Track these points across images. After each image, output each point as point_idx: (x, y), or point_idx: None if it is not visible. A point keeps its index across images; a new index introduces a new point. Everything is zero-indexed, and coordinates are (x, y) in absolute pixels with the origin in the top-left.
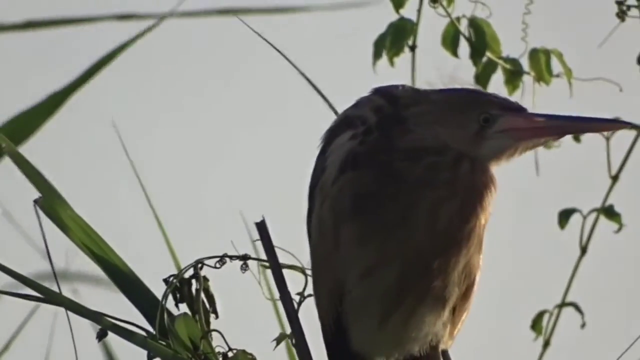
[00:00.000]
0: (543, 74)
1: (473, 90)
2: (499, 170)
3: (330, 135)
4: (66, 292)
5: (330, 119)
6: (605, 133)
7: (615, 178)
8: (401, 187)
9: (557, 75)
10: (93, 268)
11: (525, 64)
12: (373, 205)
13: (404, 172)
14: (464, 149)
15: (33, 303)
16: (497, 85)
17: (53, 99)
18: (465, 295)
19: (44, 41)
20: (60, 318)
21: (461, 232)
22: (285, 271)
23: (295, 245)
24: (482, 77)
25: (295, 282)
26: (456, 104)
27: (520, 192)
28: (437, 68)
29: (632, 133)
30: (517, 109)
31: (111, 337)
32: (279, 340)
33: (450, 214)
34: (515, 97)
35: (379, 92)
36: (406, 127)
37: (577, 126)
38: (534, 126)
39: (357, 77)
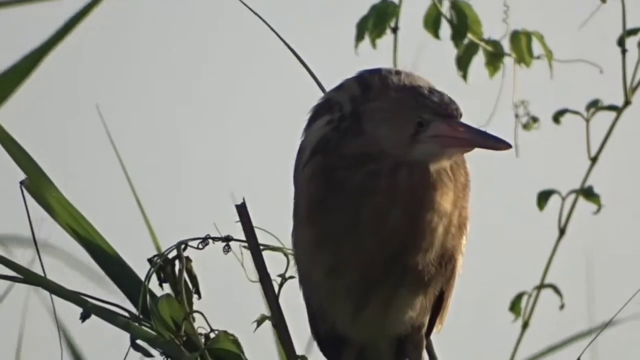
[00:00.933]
0: (524, 55)
1: (416, 91)
2: (474, 154)
3: (313, 115)
4: (50, 274)
5: (314, 97)
6: (586, 114)
7: (594, 159)
8: (344, 195)
9: (538, 57)
10: (77, 249)
11: (506, 45)
12: (322, 211)
13: (346, 179)
14: (401, 154)
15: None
16: (478, 67)
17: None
18: (449, 278)
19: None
20: (39, 300)
21: (411, 234)
22: (268, 252)
23: (279, 224)
24: (464, 59)
25: (278, 264)
26: (400, 105)
27: (499, 173)
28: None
29: (612, 114)
30: (448, 116)
31: (94, 319)
32: (259, 322)
33: (393, 220)
34: (496, 79)
35: (359, 77)
36: (358, 125)
37: (479, 142)
38: (456, 135)
39: (344, 59)
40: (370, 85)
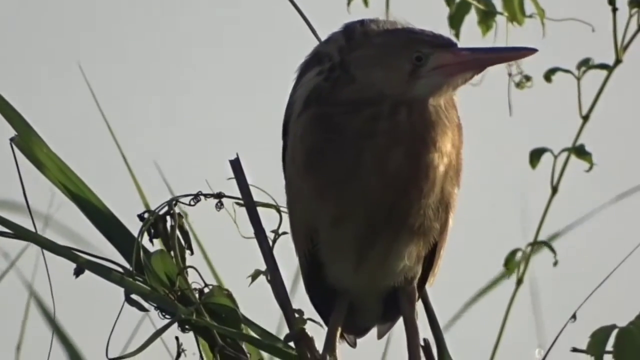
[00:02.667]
0: (516, 14)
1: (405, 30)
2: (469, 111)
3: (302, 70)
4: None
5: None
6: (577, 73)
7: (585, 118)
8: (343, 141)
9: (530, 16)
10: (70, 206)
11: (498, 4)
12: (322, 161)
13: (344, 125)
14: (400, 94)
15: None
16: (470, 25)
17: None
18: (442, 229)
19: None
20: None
21: (414, 175)
22: (260, 209)
23: (271, 182)
24: (456, 17)
25: (270, 220)
26: (391, 45)
27: (493, 132)
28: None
29: (603, 73)
30: (447, 45)
31: (88, 275)
32: (253, 277)
33: (395, 161)
34: (488, 38)
35: (344, 29)
36: (348, 74)
37: (497, 57)
38: (461, 61)
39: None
40: (353, 35)
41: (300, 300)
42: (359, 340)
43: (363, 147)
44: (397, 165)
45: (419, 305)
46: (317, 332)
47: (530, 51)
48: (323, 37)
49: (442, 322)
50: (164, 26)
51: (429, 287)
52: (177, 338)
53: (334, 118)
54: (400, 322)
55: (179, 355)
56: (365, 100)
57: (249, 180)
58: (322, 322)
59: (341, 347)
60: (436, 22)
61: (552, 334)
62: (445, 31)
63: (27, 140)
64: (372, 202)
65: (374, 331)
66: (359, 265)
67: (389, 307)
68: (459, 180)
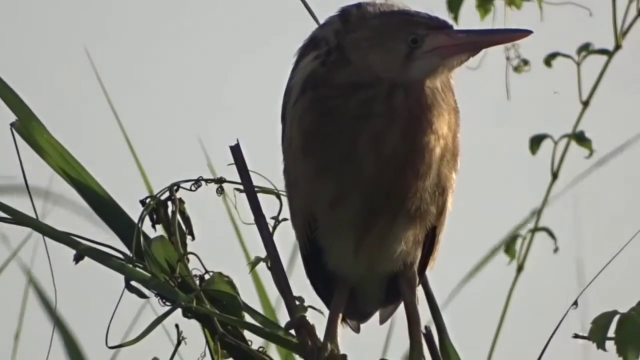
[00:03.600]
0: None
1: (401, 12)
2: (466, 94)
3: (300, 56)
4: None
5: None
6: (577, 58)
7: (586, 103)
8: (340, 124)
9: (529, 0)
10: (70, 192)
11: None
12: (319, 144)
13: (341, 108)
14: (396, 77)
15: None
16: (469, 9)
17: None
18: (440, 213)
19: None
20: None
21: (411, 158)
22: (260, 195)
23: (271, 168)
24: (455, 1)
25: (270, 206)
26: (386, 28)
27: (492, 117)
28: None
29: (603, 58)
30: (443, 27)
31: (88, 262)
32: (253, 264)
33: (391, 143)
34: (486, 22)
35: (341, 13)
36: (344, 57)
37: (492, 39)
38: (457, 42)
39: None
40: (349, 18)
41: (301, 287)
42: (362, 326)
43: (359, 130)
44: (394, 147)
45: (420, 291)
46: (318, 319)
47: (526, 33)
48: (322, 21)
49: (443, 308)
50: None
51: (429, 271)
52: (177, 326)
53: (331, 101)
54: (402, 307)
55: (179, 343)
56: (362, 82)
57: (249, 167)
58: (322, 309)
59: (343, 333)
60: (435, 5)
61: (554, 320)
62: (444, 15)
63: (27, 126)
64: (369, 184)
65: (376, 316)
66: (357, 250)
67: (390, 292)
68: (456, 163)
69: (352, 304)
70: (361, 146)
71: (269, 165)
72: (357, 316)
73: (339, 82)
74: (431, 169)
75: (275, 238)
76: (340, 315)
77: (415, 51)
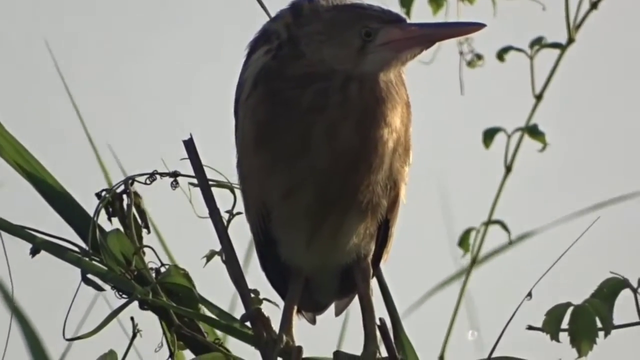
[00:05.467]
0: None
1: (354, 5)
2: (420, 90)
3: (251, 50)
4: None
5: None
6: (530, 52)
7: (539, 97)
8: (294, 116)
9: None
10: (25, 185)
11: None
12: (273, 137)
13: (295, 100)
14: (350, 69)
15: None
16: (422, 4)
17: None
18: (393, 206)
19: None
20: None
21: (364, 150)
22: (215, 189)
23: (225, 162)
24: None
25: (224, 200)
26: (340, 22)
27: (445, 111)
28: None
29: (556, 52)
30: (396, 20)
31: (44, 255)
32: (209, 258)
33: (345, 135)
34: (439, 17)
35: (291, 6)
36: (298, 50)
37: (445, 32)
38: (410, 36)
39: None
40: (301, 11)
41: (257, 279)
42: (317, 318)
43: (313, 122)
44: (347, 140)
45: (374, 283)
46: (274, 311)
47: (479, 26)
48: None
49: (399, 302)
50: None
51: (383, 265)
52: (132, 318)
53: (284, 93)
54: (357, 299)
55: (134, 335)
56: (316, 74)
57: (203, 161)
58: (278, 302)
59: (299, 325)
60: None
61: (508, 312)
62: (397, 9)
63: None
64: (322, 176)
65: (332, 308)
66: (310, 242)
67: (345, 284)
68: (408, 157)
69: (308, 295)
70: (315, 138)
71: (223, 159)
72: (312, 308)
73: (292, 74)
74: (384, 162)
75: (231, 232)
76: (295, 307)
77: (369, 44)
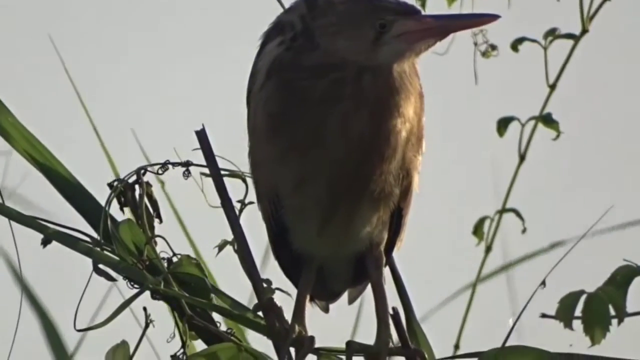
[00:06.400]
0: None
1: None
2: (435, 81)
3: (265, 40)
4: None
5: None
6: (544, 43)
7: (552, 87)
8: (308, 106)
9: None
10: (38, 176)
11: None
12: (285, 127)
13: (309, 90)
14: (364, 60)
15: None
16: None
17: None
18: (405, 195)
19: None
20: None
21: (377, 141)
22: (227, 179)
23: (237, 152)
24: None
25: (238, 190)
26: (354, 13)
27: (459, 101)
28: None
29: (569, 42)
30: (411, 12)
31: (55, 245)
32: (221, 247)
33: (359, 126)
34: (454, 9)
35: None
36: (312, 41)
37: (460, 24)
38: (425, 28)
39: None
40: (315, 3)
41: (273, 270)
42: (330, 307)
43: (327, 112)
44: (361, 130)
45: (387, 272)
46: (287, 301)
47: (493, 18)
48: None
49: (412, 292)
50: None
51: (396, 252)
52: (144, 309)
53: (298, 83)
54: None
55: (147, 325)
56: (330, 65)
57: (216, 150)
58: (291, 291)
59: (312, 314)
60: None
61: (523, 300)
62: (412, 1)
63: None
64: (334, 166)
65: (345, 297)
66: (322, 231)
67: (358, 272)
68: (420, 147)
69: (321, 283)
70: (328, 129)
71: (235, 149)
72: (325, 296)
73: (307, 65)
74: (396, 152)
75: (244, 221)
76: (308, 296)
77: (383, 36)
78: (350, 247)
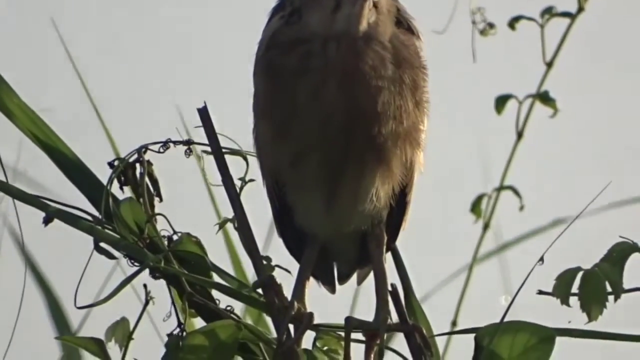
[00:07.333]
0: None
1: None
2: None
3: (270, 16)
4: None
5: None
6: (541, 21)
7: (549, 64)
8: (282, 81)
9: None
10: (39, 154)
11: None
12: (274, 103)
13: (282, 66)
14: (328, 31)
15: None
16: None
17: None
18: (408, 171)
19: None
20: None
21: (355, 109)
22: (228, 157)
23: (239, 130)
24: None
25: (239, 167)
26: None
27: (458, 78)
28: None
29: (566, 20)
30: None
31: (57, 223)
32: (221, 225)
33: (330, 96)
34: None
35: None
36: (301, 17)
37: None
38: None
39: None
40: None
41: (275, 250)
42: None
43: (298, 85)
44: (333, 101)
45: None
46: (287, 279)
47: None
48: None
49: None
50: None
51: (403, 229)
52: (145, 286)
53: (276, 60)
54: None
55: (146, 302)
56: (301, 40)
57: (218, 128)
58: (291, 269)
59: (311, 292)
60: None
61: (520, 278)
62: None
63: None
64: (321, 140)
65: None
66: (327, 207)
67: (365, 252)
68: (421, 115)
69: (328, 267)
70: (302, 102)
71: (239, 126)
72: (333, 279)
73: (283, 39)
74: (381, 119)
75: (246, 199)
76: (310, 275)
77: (340, 4)
78: (354, 223)
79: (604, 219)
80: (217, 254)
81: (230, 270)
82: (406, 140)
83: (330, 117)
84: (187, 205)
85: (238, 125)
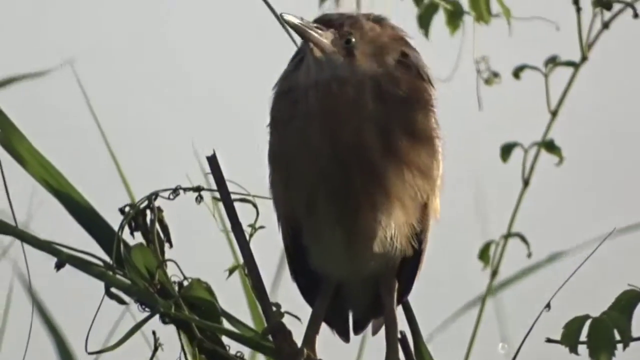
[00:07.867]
0: (483, 14)
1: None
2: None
3: (288, 64)
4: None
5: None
6: (545, 70)
7: (554, 113)
8: (281, 131)
9: (497, 15)
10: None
11: (465, 4)
12: (277, 154)
13: (278, 111)
14: (307, 82)
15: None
16: (440, 24)
17: None
18: (422, 214)
19: None
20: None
21: (343, 150)
22: (238, 204)
23: (248, 177)
24: (424, 17)
25: (249, 215)
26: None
27: (464, 126)
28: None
29: (570, 70)
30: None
31: (68, 269)
32: (231, 270)
33: (315, 140)
34: (456, 37)
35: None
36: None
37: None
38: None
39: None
40: None
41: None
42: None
43: (288, 131)
44: (317, 144)
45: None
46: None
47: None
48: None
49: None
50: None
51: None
52: (154, 332)
53: (274, 109)
54: None
55: (156, 349)
56: (291, 88)
57: (229, 174)
58: (301, 315)
59: (321, 337)
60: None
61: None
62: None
63: (9, 136)
64: (320, 178)
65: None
66: (346, 246)
67: (379, 302)
68: (431, 145)
69: (343, 314)
70: (290, 148)
71: (247, 175)
72: (347, 328)
73: (280, 89)
74: (375, 158)
75: (258, 246)
76: (321, 323)
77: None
78: (371, 264)
79: (612, 266)
80: (233, 296)
81: (247, 312)
82: (409, 171)
83: (320, 156)
84: (198, 250)
85: (249, 172)
